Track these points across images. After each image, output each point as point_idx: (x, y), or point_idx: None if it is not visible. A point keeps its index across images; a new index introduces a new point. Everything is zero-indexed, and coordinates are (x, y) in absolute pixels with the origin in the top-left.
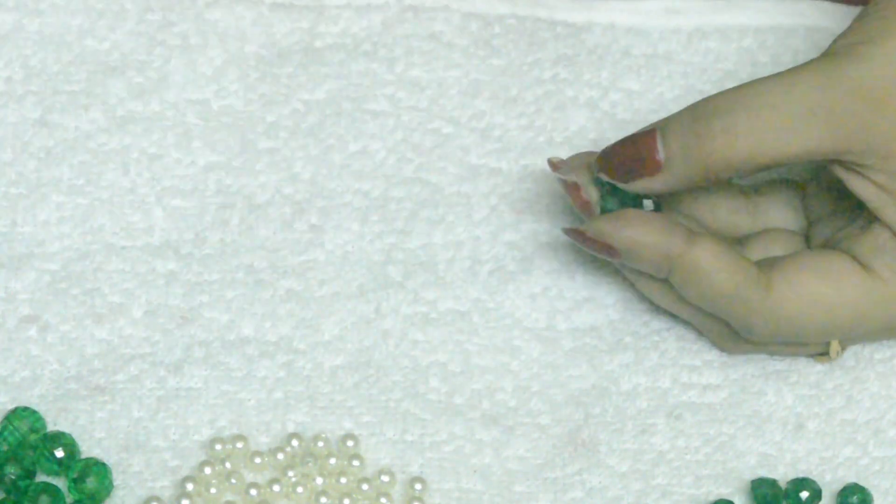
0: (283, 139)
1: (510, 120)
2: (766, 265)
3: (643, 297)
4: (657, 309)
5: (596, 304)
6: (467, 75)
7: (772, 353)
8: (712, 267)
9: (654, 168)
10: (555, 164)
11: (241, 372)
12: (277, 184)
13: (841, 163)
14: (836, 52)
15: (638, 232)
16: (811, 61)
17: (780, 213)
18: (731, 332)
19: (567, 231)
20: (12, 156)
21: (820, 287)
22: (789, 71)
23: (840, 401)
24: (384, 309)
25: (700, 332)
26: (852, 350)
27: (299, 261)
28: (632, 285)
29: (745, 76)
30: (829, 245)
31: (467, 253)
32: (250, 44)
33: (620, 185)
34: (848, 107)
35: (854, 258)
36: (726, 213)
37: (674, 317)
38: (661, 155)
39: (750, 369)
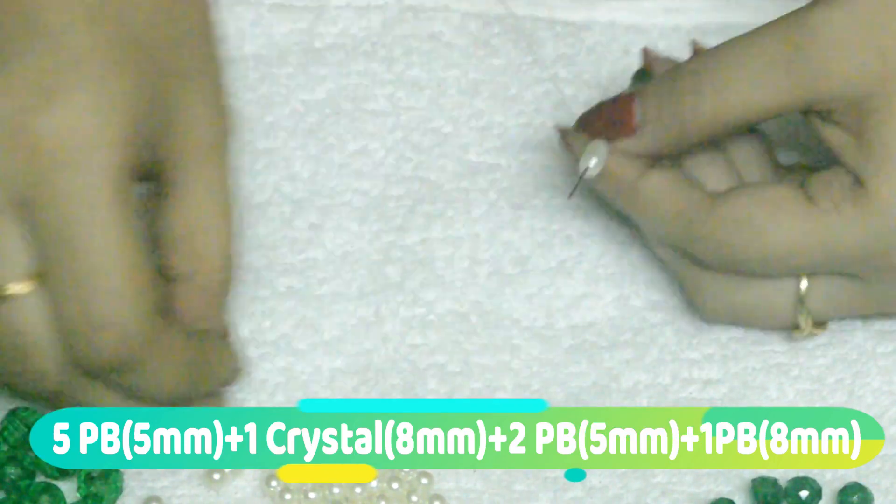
0: (283, 139)
1: (509, 119)
2: (718, 194)
3: (641, 293)
4: (655, 304)
5: (594, 301)
6: (466, 75)
7: (744, 324)
8: (658, 193)
9: (629, 130)
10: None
11: None
12: (277, 183)
13: (812, 111)
14: (806, 5)
15: (606, 157)
16: (781, 16)
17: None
18: (698, 279)
19: (559, 129)
20: None
21: (755, 210)
22: (758, 27)
23: (842, 396)
24: (384, 312)
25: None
26: (854, 343)
27: (298, 259)
28: (629, 281)
29: None
30: None
31: (466, 252)
32: (249, 44)
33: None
34: (809, 54)
35: (803, 191)
36: (710, 171)
37: (672, 311)
38: (637, 118)
39: (751, 363)
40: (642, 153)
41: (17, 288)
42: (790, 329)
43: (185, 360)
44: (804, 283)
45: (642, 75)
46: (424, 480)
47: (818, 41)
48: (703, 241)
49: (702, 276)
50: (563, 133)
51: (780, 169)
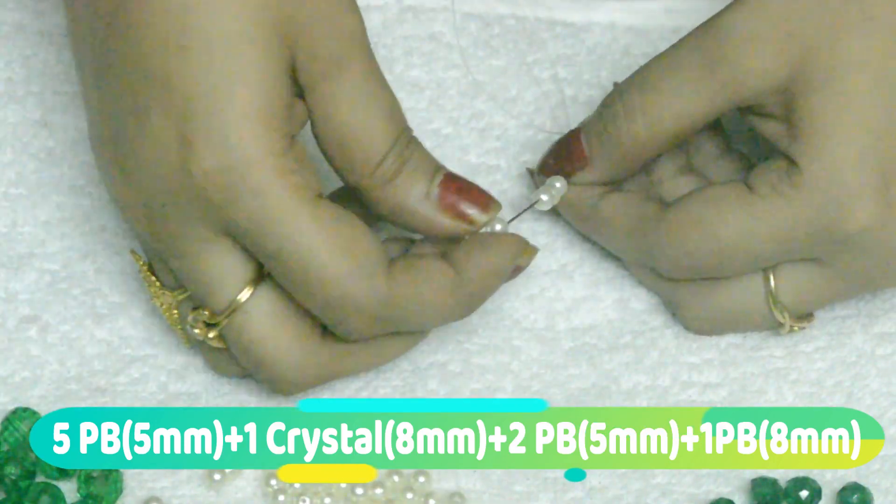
0: None
1: (509, 119)
2: (669, 203)
3: (641, 296)
4: (656, 307)
5: (595, 304)
6: (466, 76)
7: (728, 330)
8: (614, 213)
9: (582, 163)
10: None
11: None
12: None
13: (746, 109)
14: (717, 12)
15: (563, 190)
16: (696, 27)
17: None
18: (674, 292)
19: (528, 169)
20: (13, 156)
21: (701, 210)
22: (677, 41)
23: (840, 398)
24: None
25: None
26: (853, 346)
27: None
28: (630, 284)
29: None
30: None
31: None
32: None
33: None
34: (726, 56)
35: (744, 185)
36: (679, 183)
37: (672, 315)
38: (586, 150)
39: (750, 367)
40: (600, 182)
41: (244, 295)
42: (776, 327)
43: (447, 284)
44: (772, 278)
45: None
46: (422, 479)
47: (732, 41)
48: (659, 250)
49: (676, 290)
50: (531, 172)
51: (749, 164)
